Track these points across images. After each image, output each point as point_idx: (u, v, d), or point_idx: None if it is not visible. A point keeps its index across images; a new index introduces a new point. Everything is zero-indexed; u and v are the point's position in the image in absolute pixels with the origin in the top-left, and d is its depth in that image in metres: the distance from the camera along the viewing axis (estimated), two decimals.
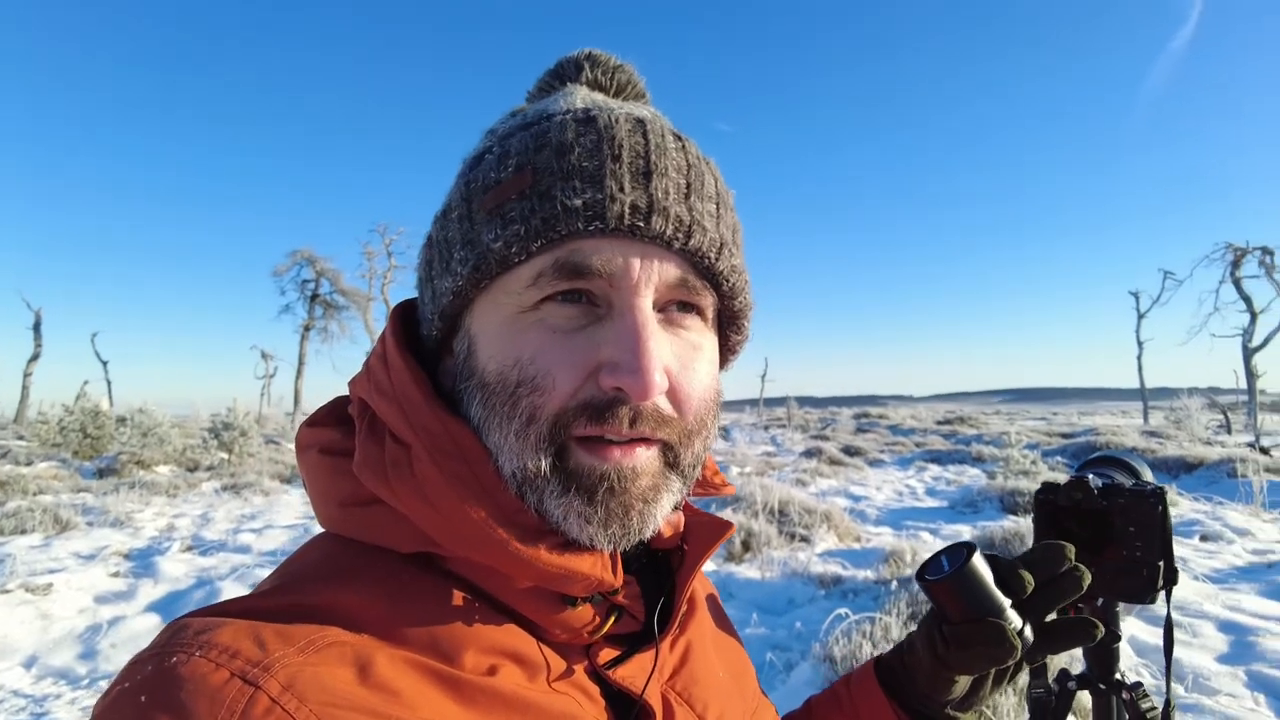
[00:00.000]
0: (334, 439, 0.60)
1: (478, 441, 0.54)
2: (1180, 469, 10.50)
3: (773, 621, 4.33)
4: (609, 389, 0.51)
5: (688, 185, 0.55)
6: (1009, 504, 8.07)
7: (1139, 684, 1.16)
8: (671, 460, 0.55)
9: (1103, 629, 0.66)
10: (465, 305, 0.58)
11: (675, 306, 0.56)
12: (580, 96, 0.60)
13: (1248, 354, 20.58)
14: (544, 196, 0.52)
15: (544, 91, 0.65)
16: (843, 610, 3.60)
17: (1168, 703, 1.10)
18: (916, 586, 3.94)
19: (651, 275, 0.53)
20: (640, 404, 0.52)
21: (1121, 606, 1.14)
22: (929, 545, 6.27)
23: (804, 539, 6.39)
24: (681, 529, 0.64)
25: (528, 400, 0.52)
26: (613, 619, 0.57)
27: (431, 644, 0.50)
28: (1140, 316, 29.14)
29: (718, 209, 0.57)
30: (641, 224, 0.52)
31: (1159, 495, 1.02)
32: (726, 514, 6.64)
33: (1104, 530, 1.04)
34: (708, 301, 0.58)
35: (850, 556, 5.85)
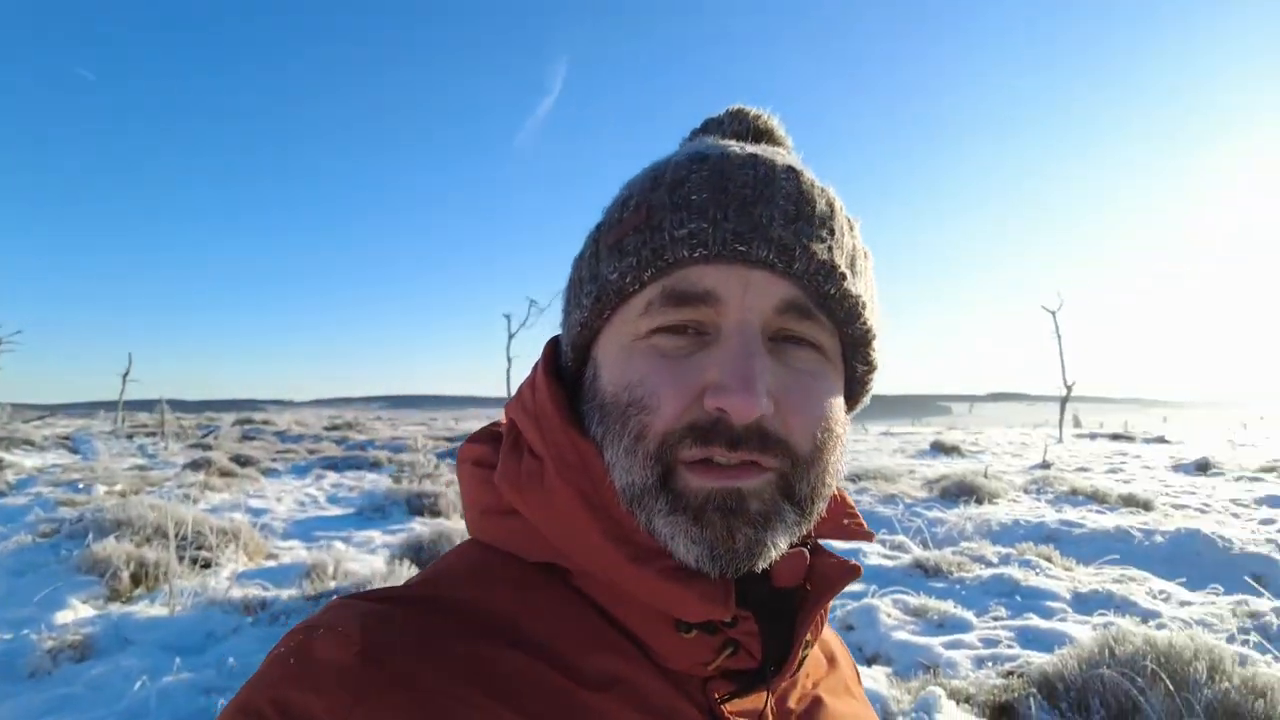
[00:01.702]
0: (485, 453, 0.66)
1: (601, 461, 0.57)
2: None
3: (195, 662, 3.91)
4: (713, 410, 0.52)
5: (795, 211, 0.56)
6: (416, 506, 8.60)
7: None
8: (785, 490, 0.55)
9: None
10: (592, 337, 0.62)
11: (788, 340, 0.57)
12: (710, 140, 0.63)
13: None
14: (655, 229, 0.56)
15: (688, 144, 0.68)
16: None
17: None
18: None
19: (755, 299, 0.55)
20: (743, 425, 0.52)
21: None
22: (348, 555, 6.38)
23: (208, 563, 5.83)
24: (807, 569, 0.63)
25: (636, 420, 0.54)
26: (727, 653, 0.57)
27: (551, 650, 0.53)
28: (510, 336, 34.25)
29: (831, 234, 0.58)
30: (743, 248, 0.54)
31: None
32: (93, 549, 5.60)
33: None
34: (823, 329, 0.58)
35: (268, 575, 5.59)
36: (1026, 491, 10.22)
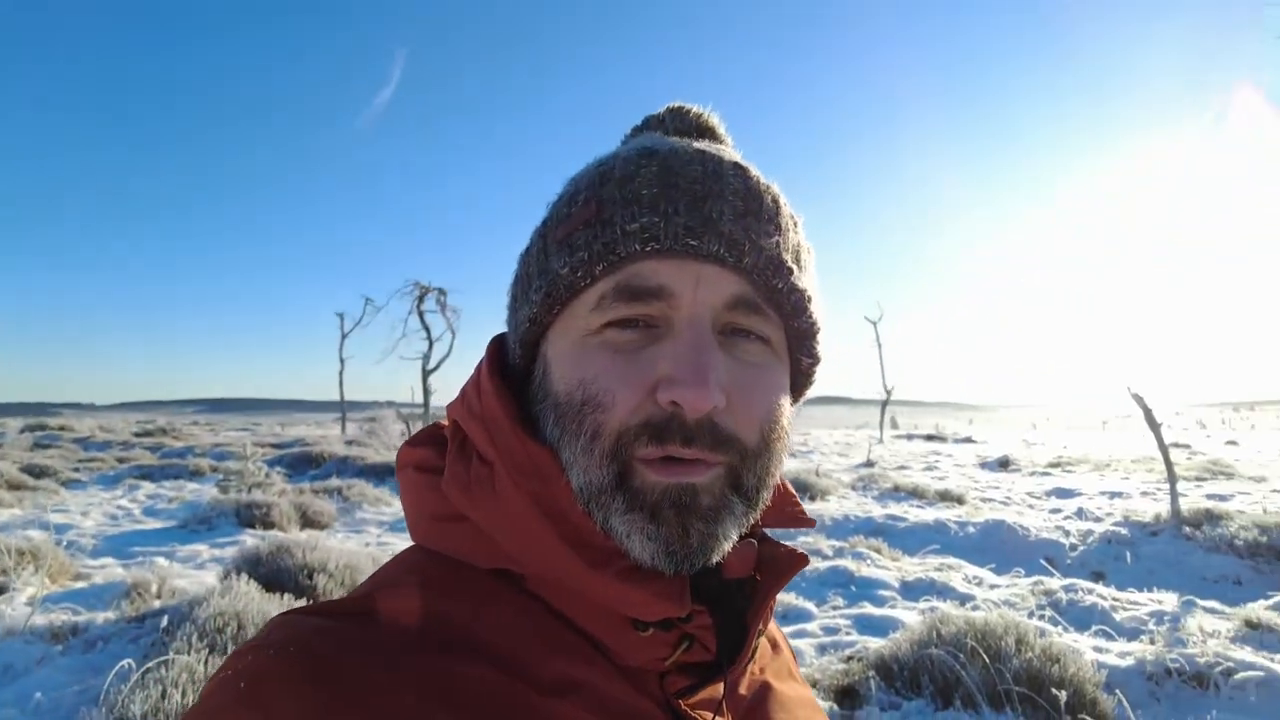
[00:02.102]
0: (428, 457, 0.64)
1: (555, 462, 0.56)
2: (387, 473, 12.59)
3: None
4: (666, 404, 0.52)
5: (744, 207, 0.57)
6: (246, 518, 8.02)
7: None
8: (734, 483, 0.55)
9: None
10: (541, 333, 0.61)
11: (737, 333, 0.57)
12: (652, 137, 0.64)
13: (425, 374, 25.28)
14: (606, 223, 0.56)
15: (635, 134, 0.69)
16: (127, 661, 3.18)
17: None
18: (201, 617, 3.77)
19: (707, 293, 0.55)
20: (696, 418, 0.52)
21: None
22: (174, 571, 5.85)
23: (2, 588, 5.16)
24: (755, 559, 0.63)
25: (591, 418, 0.54)
26: (683, 647, 0.57)
27: (507, 658, 0.51)
28: (344, 336, 32.44)
29: (778, 230, 0.59)
30: (695, 242, 0.54)
31: None
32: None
33: None
34: (770, 322, 0.59)
35: (79, 598, 5.01)
36: (854, 488, 11.02)
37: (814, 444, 23.14)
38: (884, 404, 31.80)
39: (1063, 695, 3.29)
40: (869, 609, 5.07)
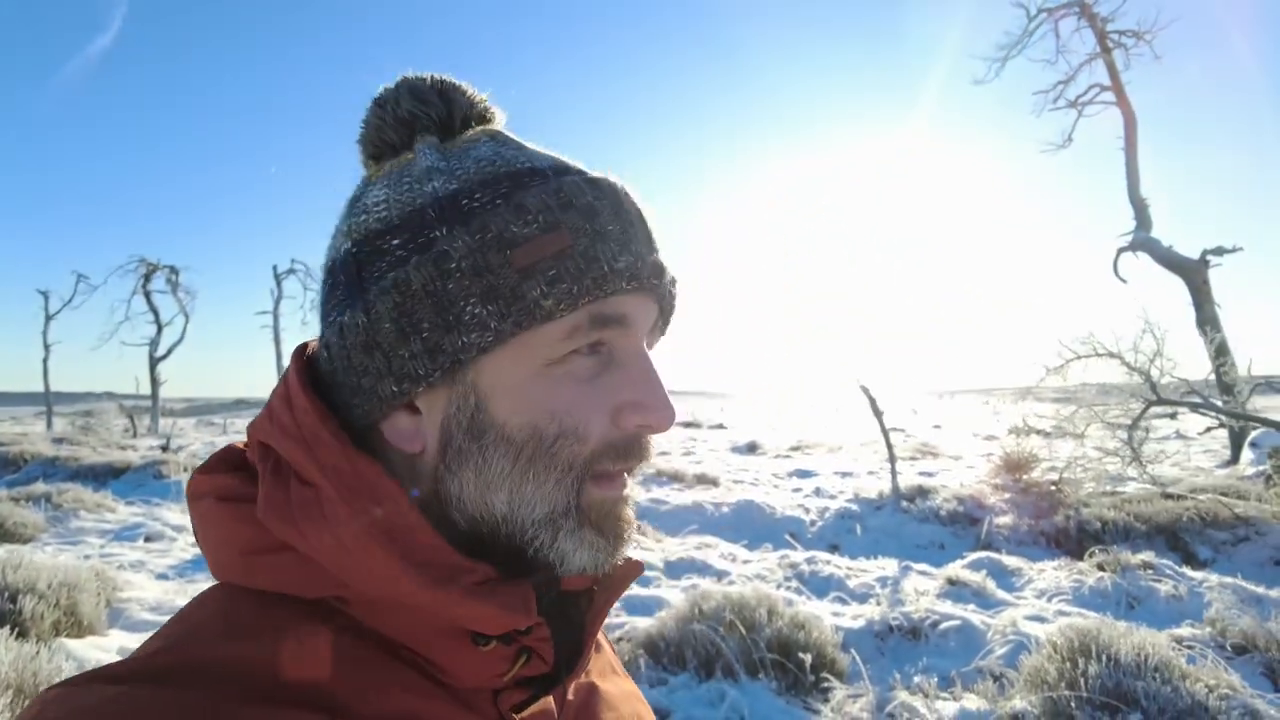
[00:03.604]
0: (231, 485, 0.58)
1: (390, 481, 0.54)
2: (109, 475, 10.71)
3: None
4: (631, 428, 0.56)
5: (660, 243, 0.62)
6: None
7: None
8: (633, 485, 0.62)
9: None
10: (468, 362, 0.55)
11: None
12: (541, 151, 0.63)
13: (153, 362, 22.34)
14: (589, 258, 0.55)
15: (415, 121, 0.63)
16: None
17: None
18: None
19: (646, 322, 0.60)
20: (651, 436, 0.58)
21: None
22: None
23: None
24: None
25: (569, 449, 0.54)
26: (522, 661, 0.57)
27: (332, 701, 0.48)
28: (49, 318, 27.57)
29: None
30: (656, 282, 0.59)
31: None
32: None
33: None
34: (657, 339, 0.66)
35: None
36: None
37: None
38: None
39: (808, 658, 3.63)
40: (636, 590, 5.22)
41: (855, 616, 4.57)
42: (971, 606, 4.71)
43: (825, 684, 3.55)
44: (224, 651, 0.49)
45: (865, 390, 9.63)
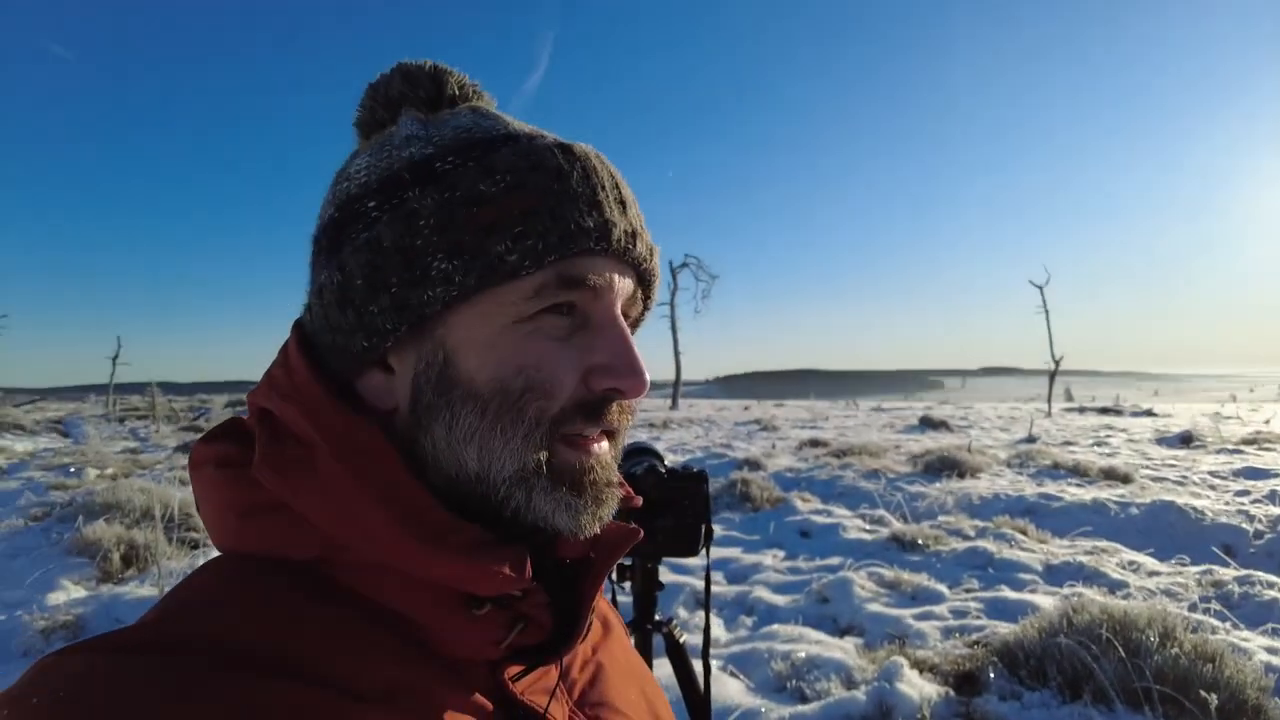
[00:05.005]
0: (231, 452, 0.58)
1: (383, 441, 0.55)
2: None
3: None
4: (601, 390, 0.58)
5: (639, 212, 0.63)
6: None
7: (671, 618, 1.47)
8: (615, 450, 0.63)
9: None
10: (434, 317, 0.57)
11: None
12: (512, 122, 0.63)
13: None
14: (555, 216, 0.56)
15: (405, 98, 0.65)
16: None
17: (708, 624, 1.49)
18: None
19: (621, 289, 0.61)
20: (620, 400, 0.59)
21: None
22: None
23: (196, 544, 5.91)
24: (590, 540, 0.64)
25: (535, 405, 0.55)
26: (518, 628, 0.57)
27: (322, 672, 0.47)
28: None
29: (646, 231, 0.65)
30: (630, 248, 0.60)
31: (704, 476, 1.34)
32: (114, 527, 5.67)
33: (667, 503, 1.32)
34: (637, 308, 0.67)
35: None
36: (1009, 465, 10.34)
37: (974, 418, 21.82)
38: (1052, 375, 29.47)
39: (1214, 699, 3.00)
40: (1005, 592, 4.79)
41: None
42: None
43: None
44: (214, 622, 0.48)
45: None
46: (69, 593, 4.81)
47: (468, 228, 0.55)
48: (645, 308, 0.69)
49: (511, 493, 0.56)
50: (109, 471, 9.78)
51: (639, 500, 0.70)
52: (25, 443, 13.82)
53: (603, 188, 0.59)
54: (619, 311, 0.61)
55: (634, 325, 0.68)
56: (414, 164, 0.59)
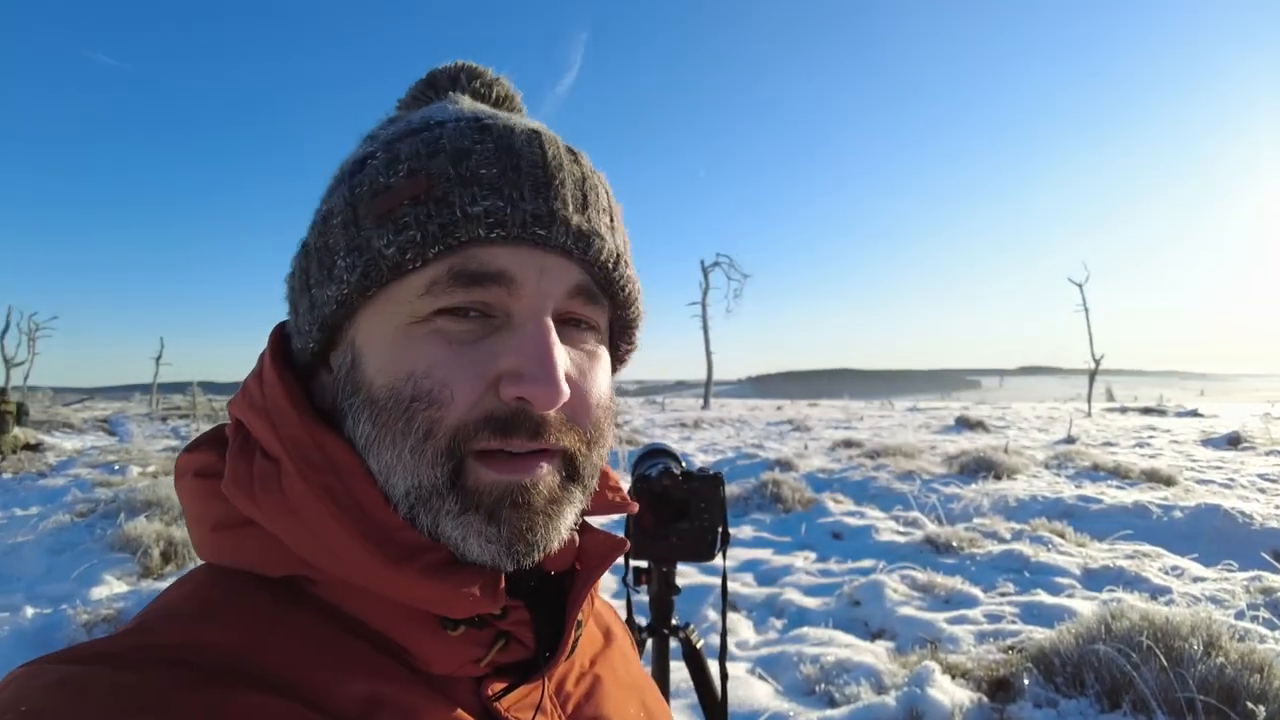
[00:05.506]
0: (209, 461, 0.56)
1: (351, 455, 0.52)
2: None
3: None
4: (511, 400, 0.50)
5: (584, 196, 0.55)
6: None
7: (689, 624, 1.44)
8: (572, 471, 0.54)
9: None
10: (348, 316, 0.54)
11: (570, 321, 0.56)
12: (466, 105, 0.59)
13: None
14: (441, 202, 0.50)
15: (419, 101, 0.64)
16: None
17: (724, 630, 1.46)
18: None
19: (551, 285, 0.53)
20: (544, 414, 0.51)
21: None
22: None
23: None
24: (576, 551, 0.61)
25: (424, 415, 0.49)
26: (499, 645, 0.54)
27: (300, 684, 0.46)
28: None
29: (611, 221, 0.58)
30: (542, 232, 0.51)
31: (720, 478, 1.31)
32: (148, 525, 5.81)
33: (682, 506, 1.29)
34: (602, 312, 0.58)
35: None
36: (1047, 467, 10.13)
37: (1011, 419, 21.43)
38: (1092, 374, 28.92)
39: (1261, 710, 2.89)
40: (1042, 597, 4.68)
41: None
42: None
43: None
44: (189, 634, 0.47)
45: None
46: (111, 587, 4.94)
47: (364, 223, 0.52)
48: (627, 319, 0.62)
49: (414, 513, 0.51)
50: (151, 469, 10.05)
51: (635, 506, 0.67)
52: (74, 440, 14.25)
53: (515, 168, 0.52)
54: (547, 311, 0.53)
55: (617, 338, 0.64)
56: (353, 161, 0.57)
